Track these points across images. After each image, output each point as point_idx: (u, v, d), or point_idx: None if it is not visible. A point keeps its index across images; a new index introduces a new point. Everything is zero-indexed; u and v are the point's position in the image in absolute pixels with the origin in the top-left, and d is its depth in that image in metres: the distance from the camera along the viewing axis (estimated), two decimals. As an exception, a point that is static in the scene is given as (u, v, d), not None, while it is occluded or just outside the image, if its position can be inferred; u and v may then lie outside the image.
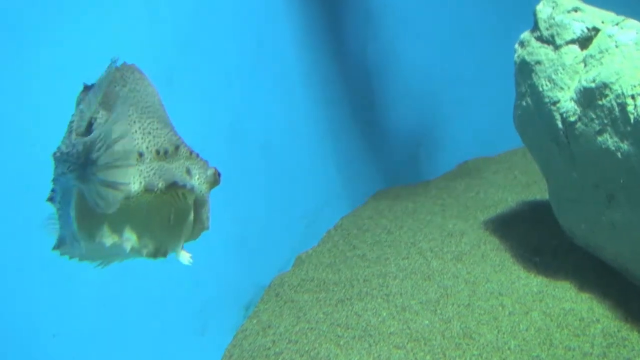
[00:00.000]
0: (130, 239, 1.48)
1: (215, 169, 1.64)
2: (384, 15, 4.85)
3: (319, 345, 3.27)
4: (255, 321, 3.53)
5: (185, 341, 3.02)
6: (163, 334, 2.84)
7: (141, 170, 1.47)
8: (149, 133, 1.51)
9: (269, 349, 3.31)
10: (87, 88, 1.50)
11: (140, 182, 1.45)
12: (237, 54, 3.46)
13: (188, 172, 1.56)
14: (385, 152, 4.98)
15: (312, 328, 3.41)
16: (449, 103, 5.08)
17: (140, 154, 1.47)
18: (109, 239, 1.46)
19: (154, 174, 1.47)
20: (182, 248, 1.58)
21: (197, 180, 1.58)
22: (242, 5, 3.53)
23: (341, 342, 3.27)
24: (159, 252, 1.53)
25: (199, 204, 1.59)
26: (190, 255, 1.57)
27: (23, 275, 2.08)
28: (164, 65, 2.89)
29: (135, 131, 1.49)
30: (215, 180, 1.63)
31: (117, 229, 1.47)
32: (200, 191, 1.59)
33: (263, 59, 3.73)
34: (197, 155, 1.61)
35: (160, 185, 1.47)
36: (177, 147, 1.54)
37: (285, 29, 3.98)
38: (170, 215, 1.52)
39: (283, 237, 4.00)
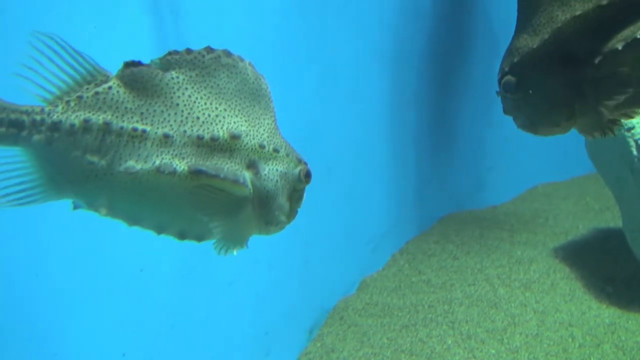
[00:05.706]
0: (135, 217, 1.47)
1: (301, 170, 1.59)
2: (457, 41, 4.84)
3: (382, 372, 3.25)
4: (319, 344, 3.53)
5: (249, 363, 3.04)
6: (228, 357, 2.87)
7: (161, 152, 1.45)
8: (198, 118, 1.48)
9: (332, 373, 3.30)
10: (127, 65, 1.48)
11: (154, 162, 1.44)
12: (309, 74, 3.48)
13: (252, 165, 1.52)
14: (453, 176, 4.93)
15: (375, 353, 3.39)
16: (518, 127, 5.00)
17: (166, 136, 1.46)
18: (103, 210, 1.46)
19: (182, 158, 1.46)
20: (242, 242, 1.53)
21: (263, 176, 1.52)
22: (316, 25, 3.56)
23: (405, 369, 3.24)
24: (185, 235, 1.50)
25: (260, 201, 1.53)
26: (235, 250, 1.52)
27: (94, 296, 2.15)
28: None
29: (176, 113, 1.47)
30: (297, 179, 1.59)
31: (116, 203, 1.46)
32: (264, 188, 1.53)
33: (335, 82, 3.74)
34: (276, 151, 1.55)
35: (180, 168, 1.44)
36: (234, 136, 1.49)
37: (358, 51, 3.99)
38: (208, 202, 1.47)
39: (348, 260, 4.00)
